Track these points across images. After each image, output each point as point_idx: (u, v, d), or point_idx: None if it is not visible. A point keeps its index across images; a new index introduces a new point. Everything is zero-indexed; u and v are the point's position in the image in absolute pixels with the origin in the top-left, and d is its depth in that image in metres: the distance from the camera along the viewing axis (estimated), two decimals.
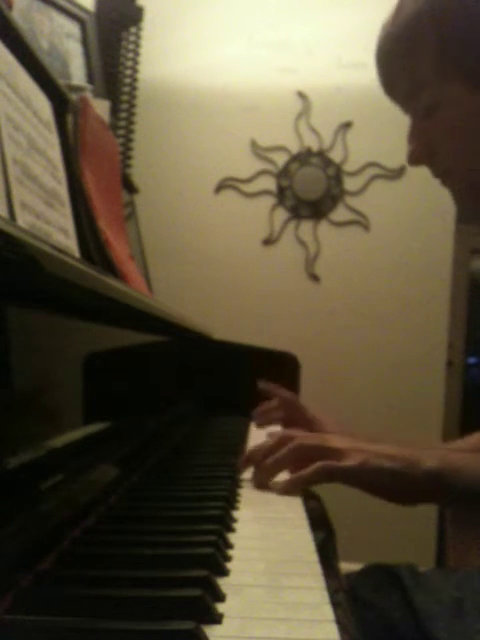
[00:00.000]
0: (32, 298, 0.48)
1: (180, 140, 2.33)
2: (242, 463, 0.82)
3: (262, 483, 0.76)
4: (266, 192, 2.33)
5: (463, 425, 3.01)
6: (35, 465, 0.48)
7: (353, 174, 2.33)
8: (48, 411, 0.53)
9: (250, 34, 2.32)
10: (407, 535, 2.16)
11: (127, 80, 2.14)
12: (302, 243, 2.33)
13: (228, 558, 0.49)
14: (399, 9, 0.76)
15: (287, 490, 0.73)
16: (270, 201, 2.34)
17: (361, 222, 2.32)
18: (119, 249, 0.98)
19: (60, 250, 0.49)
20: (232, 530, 0.57)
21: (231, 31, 2.33)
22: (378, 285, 2.32)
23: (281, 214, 2.34)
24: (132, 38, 2.14)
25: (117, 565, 0.46)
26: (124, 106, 2.13)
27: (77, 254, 0.78)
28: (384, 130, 2.22)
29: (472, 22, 0.71)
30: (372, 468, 0.71)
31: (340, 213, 2.33)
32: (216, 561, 0.46)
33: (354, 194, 2.32)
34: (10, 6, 1.02)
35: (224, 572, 0.46)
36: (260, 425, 1.17)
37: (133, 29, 2.13)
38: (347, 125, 2.33)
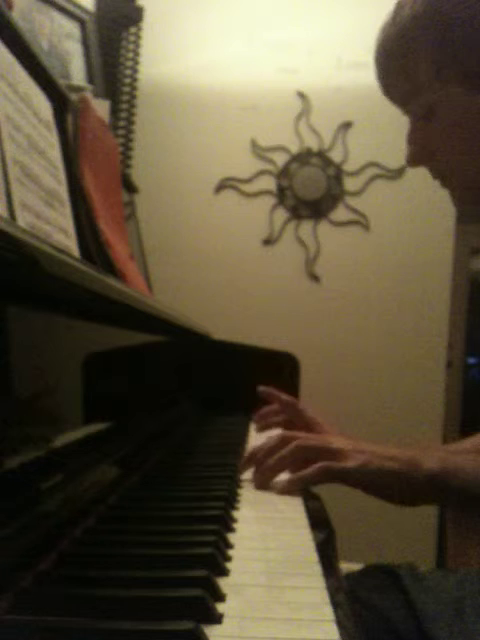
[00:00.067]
0: (32, 298, 0.48)
1: (180, 140, 2.33)
2: (243, 464, 0.82)
3: (262, 483, 0.76)
4: (266, 192, 2.33)
5: (463, 425, 3.01)
6: (35, 465, 0.48)
7: (353, 174, 2.32)
8: (48, 411, 0.53)
9: (250, 34, 2.32)
10: (407, 535, 2.16)
11: (127, 80, 2.14)
12: (302, 243, 2.33)
13: (228, 558, 0.49)
14: (398, 10, 0.76)
15: (287, 490, 0.73)
16: (270, 201, 2.33)
17: (361, 222, 2.32)
18: (119, 249, 0.98)
19: (60, 250, 0.49)
20: (232, 530, 0.57)
21: (231, 31, 2.33)
22: (378, 285, 2.32)
23: (281, 214, 2.34)
24: (132, 38, 2.14)
25: (117, 565, 0.46)
26: (124, 106, 2.13)
27: (77, 254, 0.78)
28: (384, 130, 2.21)
29: (470, 24, 0.71)
30: (373, 469, 0.71)
31: (340, 213, 2.33)
32: (216, 561, 0.46)
33: (354, 194, 2.32)
34: (10, 6, 1.02)
35: (224, 572, 0.46)
36: (260, 429, 1.17)
37: (133, 29, 2.13)
38: (347, 125, 2.32)
